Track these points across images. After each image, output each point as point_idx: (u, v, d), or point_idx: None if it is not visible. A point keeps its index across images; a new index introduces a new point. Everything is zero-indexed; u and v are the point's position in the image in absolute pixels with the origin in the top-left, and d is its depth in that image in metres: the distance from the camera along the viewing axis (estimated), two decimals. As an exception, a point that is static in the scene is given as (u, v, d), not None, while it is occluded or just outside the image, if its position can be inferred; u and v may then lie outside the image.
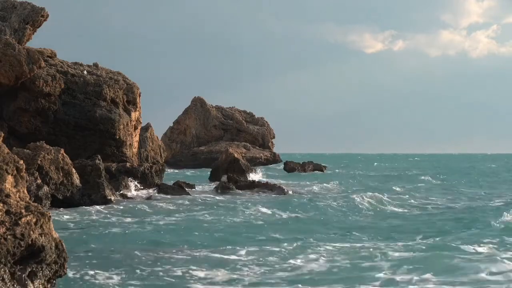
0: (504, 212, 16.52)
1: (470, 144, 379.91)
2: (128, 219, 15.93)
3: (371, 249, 11.43)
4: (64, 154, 19.25)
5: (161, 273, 9.39)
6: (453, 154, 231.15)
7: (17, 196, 7.41)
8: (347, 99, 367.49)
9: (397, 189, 29.17)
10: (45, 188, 17.77)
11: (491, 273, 9.30)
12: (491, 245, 11.55)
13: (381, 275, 9.27)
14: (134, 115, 28.55)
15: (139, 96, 29.21)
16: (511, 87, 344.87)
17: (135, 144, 29.33)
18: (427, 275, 9.11)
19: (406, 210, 19.87)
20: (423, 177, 41.38)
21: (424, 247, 11.58)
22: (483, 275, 9.20)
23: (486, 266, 9.65)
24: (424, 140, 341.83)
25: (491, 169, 62.59)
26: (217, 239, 12.86)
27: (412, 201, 23.17)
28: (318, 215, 18.11)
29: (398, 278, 9.06)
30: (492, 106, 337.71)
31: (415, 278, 8.99)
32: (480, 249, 11.17)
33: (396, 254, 10.89)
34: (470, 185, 34.47)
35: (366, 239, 13.14)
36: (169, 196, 22.16)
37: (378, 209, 19.94)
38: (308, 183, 33.20)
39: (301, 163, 58.24)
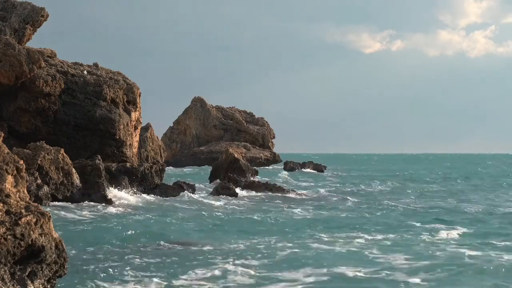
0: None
1: (468, 144, 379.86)
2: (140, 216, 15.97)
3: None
4: (64, 154, 19.23)
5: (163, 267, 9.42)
6: (446, 154, 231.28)
7: (17, 196, 7.41)
8: (347, 99, 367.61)
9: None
10: (45, 188, 17.76)
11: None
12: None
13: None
14: (134, 115, 28.52)
15: (139, 96, 29.18)
16: (509, 86, 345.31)
17: (135, 144, 29.30)
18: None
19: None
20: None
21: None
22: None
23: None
24: (425, 140, 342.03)
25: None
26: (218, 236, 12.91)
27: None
28: (319, 213, 18.13)
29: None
30: (490, 105, 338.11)
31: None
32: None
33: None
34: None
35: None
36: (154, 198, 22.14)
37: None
38: (307, 183, 33.21)
39: (301, 163, 58.30)
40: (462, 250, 11.46)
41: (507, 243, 12.53)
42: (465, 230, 14.59)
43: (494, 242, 12.67)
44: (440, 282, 9.04)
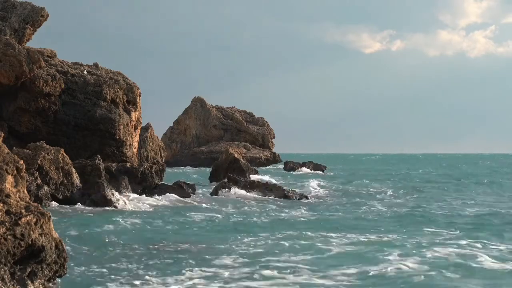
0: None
1: (467, 144, 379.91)
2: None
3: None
4: (64, 154, 19.25)
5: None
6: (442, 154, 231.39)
7: (17, 196, 7.43)
8: (347, 99, 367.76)
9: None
10: (45, 188, 17.78)
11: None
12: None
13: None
14: (134, 115, 28.54)
15: (139, 96, 29.21)
16: (509, 86, 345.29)
17: (135, 144, 29.32)
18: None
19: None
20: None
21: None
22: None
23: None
24: (425, 140, 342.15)
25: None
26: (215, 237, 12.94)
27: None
28: (320, 214, 18.15)
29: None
30: (490, 105, 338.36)
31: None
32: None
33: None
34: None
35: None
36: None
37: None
38: (307, 183, 33.21)
39: (301, 163, 58.29)
40: (460, 252, 11.48)
41: (506, 245, 12.54)
42: (464, 231, 14.60)
43: (493, 243, 12.69)
44: (438, 283, 9.06)
